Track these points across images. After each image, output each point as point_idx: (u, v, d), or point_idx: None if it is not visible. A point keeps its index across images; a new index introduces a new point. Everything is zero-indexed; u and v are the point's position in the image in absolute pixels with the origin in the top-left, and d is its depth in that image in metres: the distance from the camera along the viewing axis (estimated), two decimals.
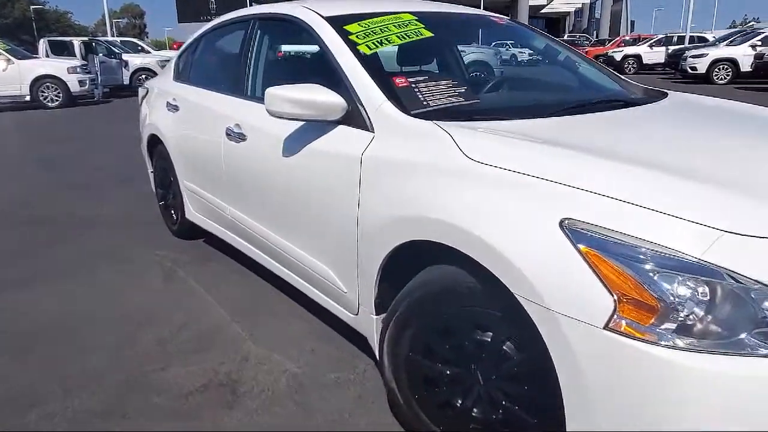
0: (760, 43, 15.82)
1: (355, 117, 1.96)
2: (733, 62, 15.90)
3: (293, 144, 2.17)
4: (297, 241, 2.26)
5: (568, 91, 2.47)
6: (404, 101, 1.90)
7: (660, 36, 23.70)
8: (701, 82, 16.10)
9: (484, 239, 1.37)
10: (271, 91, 1.99)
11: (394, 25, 2.32)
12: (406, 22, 2.36)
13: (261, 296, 2.84)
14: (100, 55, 14.85)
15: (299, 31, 2.43)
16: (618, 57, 22.35)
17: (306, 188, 2.10)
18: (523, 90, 2.51)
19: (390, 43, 2.22)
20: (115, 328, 2.55)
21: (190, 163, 3.17)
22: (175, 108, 3.30)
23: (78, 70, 12.97)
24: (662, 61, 21.55)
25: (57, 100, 12.76)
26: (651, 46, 22.70)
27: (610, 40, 30.28)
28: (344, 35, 2.20)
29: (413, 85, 2.00)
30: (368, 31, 2.25)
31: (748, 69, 15.42)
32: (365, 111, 1.92)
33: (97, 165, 6.30)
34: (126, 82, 15.86)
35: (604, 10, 43.41)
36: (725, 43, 17.89)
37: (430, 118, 1.80)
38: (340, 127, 2.00)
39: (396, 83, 2.00)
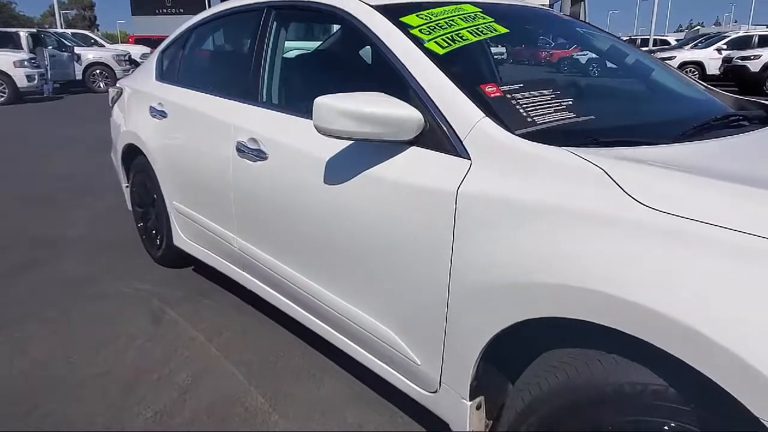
0: (725, 46, 16.07)
1: (432, 136, 1.49)
2: (699, 65, 16.09)
3: (343, 169, 1.68)
4: (344, 293, 1.77)
5: (670, 103, 2.06)
6: (506, 118, 1.44)
7: (623, 39, 23.97)
8: None
9: (706, 334, 0.92)
10: (324, 103, 1.49)
11: (461, 18, 1.86)
12: (472, 14, 1.90)
13: (278, 347, 2.33)
14: (50, 48, 13.78)
15: (335, 23, 1.94)
16: (583, 60, 22.40)
17: (365, 229, 1.61)
18: (623, 102, 2.08)
19: (463, 40, 1.75)
20: (94, 397, 2.00)
21: (183, 181, 2.62)
22: (162, 114, 2.74)
23: (26, 63, 11.95)
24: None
25: (2, 96, 11.73)
26: None
27: (566, 44, 30.45)
28: (404, 29, 1.72)
29: (509, 95, 1.54)
30: (432, 24, 1.78)
31: (715, 72, 15.64)
32: (452, 129, 1.45)
33: (53, 173, 5.58)
34: (78, 77, 14.82)
35: (563, 11, 44.00)
36: (689, 46, 18.17)
37: (543, 140, 1.35)
38: (413, 149, 1.53)
39: (486, 92, 1.53)
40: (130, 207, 3.43)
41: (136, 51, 17.11)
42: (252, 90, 2.21)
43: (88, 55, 14.91)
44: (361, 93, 1.53)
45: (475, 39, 1.78)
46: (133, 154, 3.14)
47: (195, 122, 2.47)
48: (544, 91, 1.59)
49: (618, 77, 2.32)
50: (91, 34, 18.75)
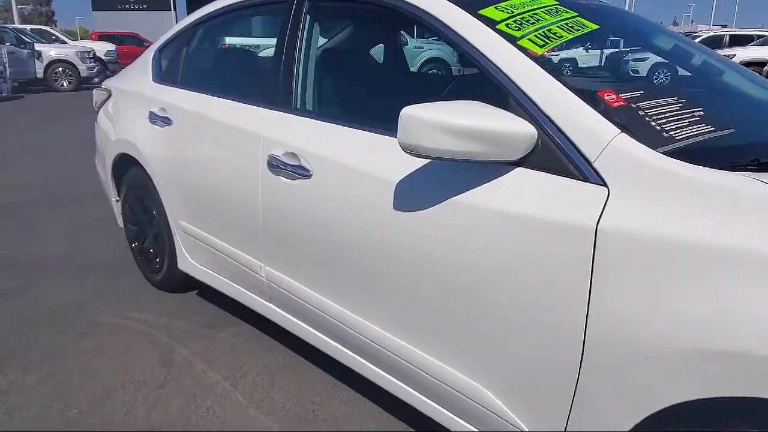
0: None
1: (546, 156, 1.22)
2: (760, 64, 15.96)
3: (422, 193, 1.39)
4: (419, 340, 1.48)
5: None
6: (642, 133, 1.17)
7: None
8: None
9: None
10: (414, 115, 1.20)
11: (545, 12, 1.58)
12: (554, 8, 1.63)
13: (315, 391, 2.02)
14: (8, 44, 13.00)
15: (396, 16, 1.64)
16: (555, 60, 22.52)
17: (454, 266, 1.32)
18: (750, 111, 1.80)
19: (557, 38, 1.48)
20: None
21: (193, 198, 2.28)
22: (165, 121, 2.39)
23: None
24: (597, 64, 21.91)
25: None
26: (586, 49, 23.07)
27: None
28: (489, 24, 1.44)
29: (633, 105, 1.27)
30: (517, 19, 1.50)
31: (686, 73, 15.76)
32: (574, 148, 1.18)
33: (20, 181, 5.10)
34: (39, 75, 14.04)
35: None
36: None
37: (687, 160, 1.09)
38: (519, 171, 1.25)
39: (607, 101, 1.26)
40: (121, 224, 3.05)
41: (100, 48, 16.35)
42: (283, 95, 1.89)
43: (50, 52, 14.14)
44: (455, 102, 1.24)
45: (569, 36, 1.51)
46: (125, 165, 2.78)
47: (210, 132, 2.13)
48: (669, 99, 1.33)
49: (701, 83, 2.07)
50: (52, 30, 17.87)
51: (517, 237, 1.20)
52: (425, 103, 1.22)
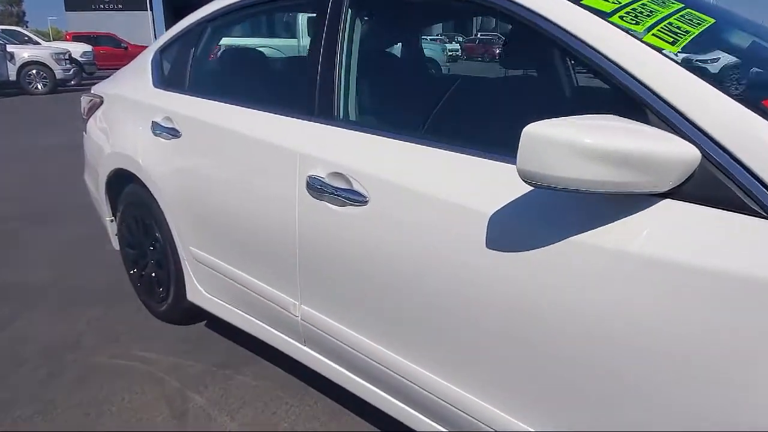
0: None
1: (707, 185, 0.95)
2: None
3: (530, 229, 1.10)
4: (517, 410, 1.19)
5: None
6: None
7: None
8: None
9: None
10: (543, 134, 0.92)
11: (653, 3, 1.31)
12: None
13: None
14: None
15: (464, 8, 1.36)
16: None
17: (585, 324, 1.04)
18: None
19: (685, 34, 1.21)
20: None
21: (208, 222, 1.97)
22: (172, 133, 2.07)
23: None
24: None
25: None
26: None
27: (475, 39, 30.23)
28: (601, 16, 1.16)
29: None
30: (628, 10, 1.23)
31: None
32: (752, 176, 0.91)
33: None
34: (12, 78, 13.45)
35: None
36: None
37: None
38: (669, 204, 0.97)
39: None
40: (116, 246, 2.72)
41: (76, 49, 15.76)
42: (323, 103, 1.59)
43: (23, 53, 13.53)
44: (590, 117, 0.97)
45: (695, 31, 1.24)
46: (122, 182, 2.45)
47: (230, 147, 1.82)
48: None
49: None
50: (24, 31, 17.19)
51: (677, 291, 0.92)
52: (552, 120, 0.94)
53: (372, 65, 1.66)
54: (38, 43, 15.45)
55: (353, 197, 1.41)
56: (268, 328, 1.88)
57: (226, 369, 2.15)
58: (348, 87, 1.58)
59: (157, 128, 2.14)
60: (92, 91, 2.80)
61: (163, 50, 2.36)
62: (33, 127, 8.34)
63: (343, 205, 1.44)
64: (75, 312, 2.60)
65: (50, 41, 20.67)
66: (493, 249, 1.15)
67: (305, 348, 1.76)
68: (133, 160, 2.25)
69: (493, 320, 1.17)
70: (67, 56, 13.94)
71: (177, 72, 2.24)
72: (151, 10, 35.25)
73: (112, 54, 19.48)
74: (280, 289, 1.74)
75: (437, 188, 1.26)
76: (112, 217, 2.67)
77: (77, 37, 18.90)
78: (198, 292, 2.17)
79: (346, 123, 1.54)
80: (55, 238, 3.60)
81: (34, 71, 13.44)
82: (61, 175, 5.29)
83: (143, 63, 2.45)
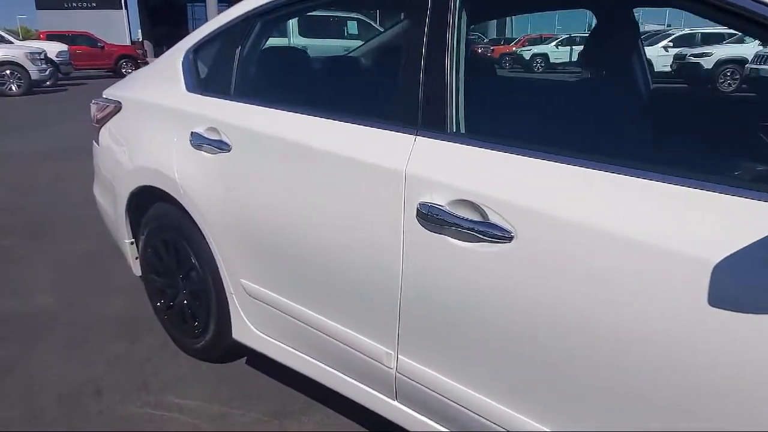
0: (671, 44, 16.33)
1: None
2: (738, 62, 16.00)
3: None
4: None
5: None
6: None
7: (563, 36, 24.22)
8: None
9: None
10: None
11: None
12: None
13: None
14: None
15: None
16: (527, 56, 22.40)
17: None
18: None
19: None
20: None
21: (268, 253, 1.67)
22: (218, 145, 1.76)
23: None
24: (567, 60, 21.95)
25: None
26: (557, 45, 23.03)
27: (499, 40, 30.42)
28: None
29: None
30: None
31: (662, 69, 15.82)
32: None
33: None
34: None
35: None
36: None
37: None
38: None
39: None
40: (136, 271, 2.40)
41: (51, 48, 15.12)
42: (431, 113, 1.31)
43: None
44: None
45: None
46: (147, 200, 2.14)
47: (302, 164, 1.53)
48: None
49: None
50: None
51: None
52: None
53: (494, 66, 1.38)
54: (11, 43, 14.79)
55: (491, 232, 1.13)
56: (347, 378, 1.58)
57: (282, 418, 1.86)
58: (464, 94, 1.29)
59: (198, 140, 1.83)
60: (105, 96, 2.46)
61: (196, 50, 2.04)
62: (12, 131, 7.87)
63: (474, 240, 1.16)
64: (91, 349, 2.28)
65: (21, 40, 19.90)
66: (719, 308, 0.88)
67: (397, 404, 1.47)
68: (166, 177, 1.94)
69: (704, 396, 0.91)
70: (42, 56, 13.36)
71: (218, 75, 1.93)
72: (126, 8, 34.43)
73: (88, 53, 18.83)
74: (368, 336, 1.45)
75: (619, 224, 0.99)
76: (132, 240, 2.34)
77: (52, 36, 18.19)
78: (248, 331, 1.87)
79: (465, 137, 1.26)
80: (54, 256, 3.25)
81: (8, 72, 12.82)
82: (49, 184, 4.91)
83: (170, 64, 2.13)
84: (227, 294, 1.89)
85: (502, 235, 1.12)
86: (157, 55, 38.27)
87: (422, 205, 1.24)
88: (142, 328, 2.42)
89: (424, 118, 1.31)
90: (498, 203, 1.13)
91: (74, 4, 33.29)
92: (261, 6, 1.81)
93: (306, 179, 1.51)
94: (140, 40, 37.49)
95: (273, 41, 2.08)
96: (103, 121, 2.40)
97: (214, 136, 1.78)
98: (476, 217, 1.16)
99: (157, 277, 2.24)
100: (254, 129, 1.67)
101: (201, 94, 1.94)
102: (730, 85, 13.14)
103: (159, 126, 2.03)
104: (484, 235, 1.14)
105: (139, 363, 2.17)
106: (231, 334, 1.96)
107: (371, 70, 1.81)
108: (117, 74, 19.54)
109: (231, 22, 1.91)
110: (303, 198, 1.52)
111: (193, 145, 1.85)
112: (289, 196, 1.55)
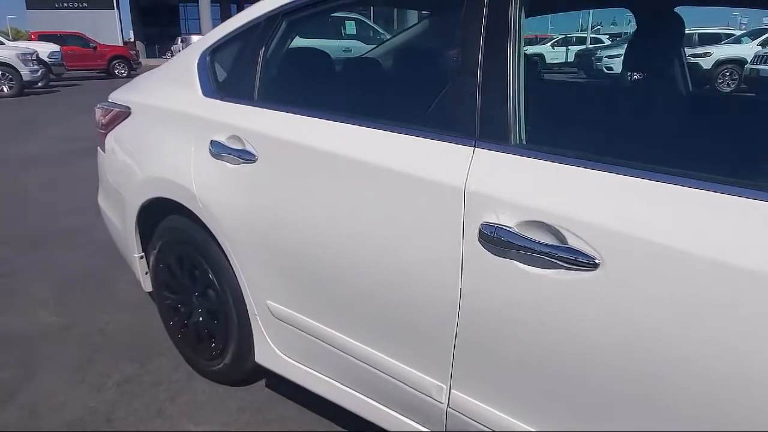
0: None
1: None
2: (737, 62, 15.92)
3: None
4: None
5: None
6: None
7: (559, 37, 24.19)
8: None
9: None
10: None
11: None
12: None
13: None
14: None
15: None
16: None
17: None
18: None
19: None
20: None
21: (299, 273, 1.54)
22: (242, 155, 1.62)
23: None
24: (563, 60, 21.92)
25: None
26: (553, 46, 22.98)
27: None
28: None
29: None
30: None
31: None
32: None
33: None
34: None
35: None
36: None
37: None
38: None
39: None
40: (146, 288, 2.25)
41: (43, 49, 14.89)
42: (492, 123, 1.18)
43: None
44: None
45: None
46: (159, 211, 2.00)
47: (339, 177, 1.39)
48: None
49: None
50: None
51: None
52: None
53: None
54: (2, 43, 14.54)
55: (571, 257, 1.00)
56: (388, 411, 1.45)
57: None
58: (529, 102, 1.16)
59: (219, 149, 1.69)
60: (111, 100, 2.32)
61: (214, 52, 1.90)
62: (2, 133, 7.67)
63: (549, 266, 1.03)
64: (98, 371, 2.13)
65: (11, 41, 19.61)
66: None
67: None
68: (183, 188, 1.80)
69: None
70: (34, 57, 13.14)
71: (240, 78, 1.79)
72: (118, 8, 34.13)
73: (80, 54, 18.58)
74: (417, 367, 1.32)
75: (726, 251, 0.86)
76: (142, 254, 2.20)
77: (43, 37, 17.92)
78: (272, 355, 1.73)
79: (531, 149, 1.13)
80: (51, 268, 3.09)
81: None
82: (42, 190, 4.75)
83: (185, 67, 1.99)
84: (250, 315, 1.75)
85: (585, 262, 0.99)
86: (149, 55, 37.93)
87: (485, 225, 1.11)
88: (152, 347, 2.27)
89: (483, 127, 1.18)
90: (580, 225, 1.00)
91: (65, 4, 32.96)
92: (288, 4, 1.68)
93: (345, 194, 1.37)
94: (132, 40, 37.16)
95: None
96: (109, 126, 2.26)
97: (237, 146, 1.65)
98: (552, 241, 1.03)
99: (170, 294, 2.10)
100: (284, 138, 1.53)
101: (220, 99, 1.80)
102: (729, 85, 13.12)
103: (174, 133, 1.89)
104: (561, 261, 1.01)
105: (152, 387, 2.03)
106: (253, 357, 1.82)
107: (415, 73, 1.68)
108: (110, 75, 19.33)
109: (253, 22, 1.78)
110: (342, 214, 1.38)
111: (213, 155, 1.71)
112: (326, 212, 1.42)
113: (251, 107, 1.70)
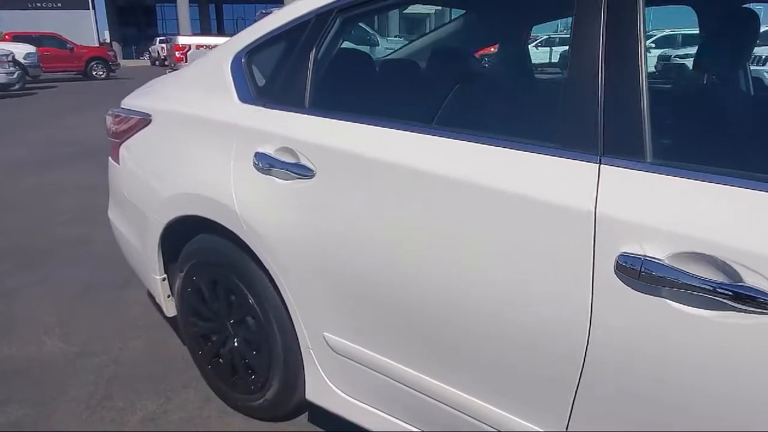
0: (653, 45, 16.41)
1: None
2: None
3: None
4: None
5: None
6: None
7: (543, 37, 24.29)
8: None
9: None
10: None
11: None
12: None
13: None
14: None
15: None
16: None
17: None
18: None
19: None
20: None
21: (369, 304, 1.36)
22: (297, 170, 1.44)
23: None
24: (547, 61, 22.02)
25: None
26: (536, 46, 23.08)
27: None
28: None
29: None
30: None
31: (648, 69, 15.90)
32: None
33: None
34: None
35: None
36: None
37: None
38: None
39: None
40: (169, 313, 2.05)
41: (18, 50, 14.40)
42: (620, 135, 1.01)
43: None
44: None
45: None
46: (187, 230, 1.80)
47: (433, 198, 1.21)
48: None
49: None
50: None
51: None
52: None
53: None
54: None
55: (750, 297, 0.84)
56: None
57: None
58: (661, 110, 1.00)
59: (266, 162, 1.50)
60: (125, 107, 2.11)
61: (251, 53, 1.71)
62: None
63: (716, 308, 0.87)
64: (119, 407, 1.92)
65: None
66: None
67: None
68: (221, 206, 1.60)
69: None
70: (10, 58, 12.68)
71: (285, 83, 1.60)
72: (94, 8, 33.42)
73: (57, 55, 18.05)
74: (525, 416, 1.15)
75: None
76: (165, 276, 1.99)
77: (18, 38, 17.35)
78: (328, 393, 1.55)
79: (673, 166, 0.96)
80: (53, 287, 2.86)
81: None
82: (31, 199, 4.48)
83: (214, 70, 1.80)
84: (302, 348, 1.56)
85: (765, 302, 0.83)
86: (126, 56, 37.17)
87: (625, 257, 0.94)
88: (175, 378, 2.07)
89: (609, 140, 1.02)
90: (758, 260, 0.84)
91: (38, 5, 32.20)
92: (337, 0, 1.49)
93: (432, 216, 1.20)
94: (107, 41, 36.44)
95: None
96: (124, 136, 2.05)
97: (289, 159, 1.46)
98: (719, 277, 0.87)
99: (201, 321, 1.90)
100: (349, 151, 1.35)
101: (262, 105, 1.61)
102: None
103: (207, 144, 1.69)
104: (733, 302, 0.85)
105: (181, 425, 1.83)
106: (302, 393, 1.63)
107: (513, 74, 1.51)
108: (87, 77, 18.83)
109: (300, 20, 1.59)
110: (430, 240, 1.20)
111: (258, 169, 1.52)
112: (407, 237, 1.24)
113: (303, 115, 1.51)
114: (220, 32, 41.51)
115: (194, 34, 20.33)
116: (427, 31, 2.53)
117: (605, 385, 1.01)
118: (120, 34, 38.96)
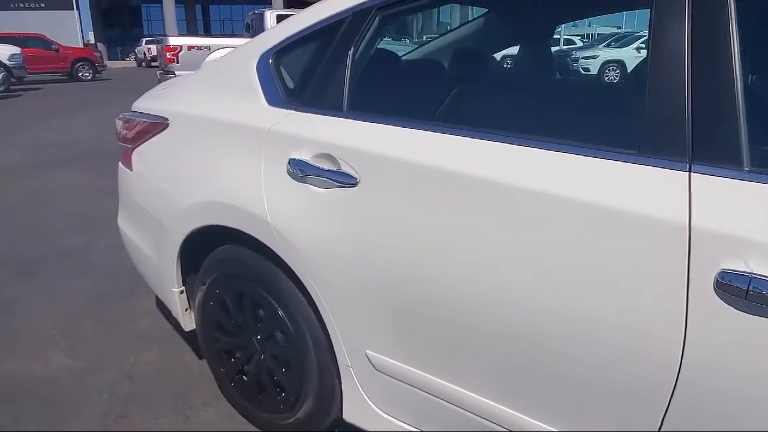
0: (643, 45, 16.52)
1: None
2: (620, 63, 16.46)
3: None
4: None
5: None
6: None
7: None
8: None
9: None
10: None
11: None
12: None
13: None
14: None
15: None
16: (497, 57, 22.50)
17: None
18: None
19: None
20: None
21: (420, 320, 1.27)
22: (338, 179, 1.35)
23: None
24: None
25: None
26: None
27: None
28: None
29: None
30: None
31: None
32: None
33: None
34: None
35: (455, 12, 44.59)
36: (602, 45, 18.65)
37: None
38: None
39: None
40: (187, 326, 1.95)
41: (3, 52, 14.11)
42: (713, 141, 0.93)
43: None
44: None
45: None
46: (209, 240, 1.70)
47: (487, 207, 1.13)
48: None
49: None
50: None
51: None
52: None
53: None
54: None
55: None
56: None
57: None
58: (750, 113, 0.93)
59: (302, 169, 1.41)
60: (138, 110, 2.01)
61: (279, 53, 1.62)
62: None
63: None
64: (135, 424, 1.81)
65: None
66: None
67: None
68: (251, 215, 1.51)
69: None
70: None
71: (320, 85, 1.50)
72: (78, 9, 32.98)
73: (42, 56, 17.72)
74: None
75: None
76: (183, 288, 1.89)
77: (2, 39, 17.01)
78: (369, 413, 1.46)
79: None
80: (54, 298, 2.73)
81: None
82: (24, 205, 4.33)
83: (238, 71, 1.70)
84: (340, 366, 1.47)
85: None
86: (111, 57, 36.73)
87: (727, 274, 0.87)
88: (193, 394, 1.97)
89: (699, 146, 0.94)
90: None
91: (21, 5, 31.72)
92: None
93: (498, 230, 1.11)
94: (92, 42, 35.99)
95: None
96: (137, 140, 1.95)
97: (328, 166, 1.37)
98: None
99: (224, 336, 1.80)
100: (399, 157, 1.26)
101: (293, 109, 1.52)
102: None
103: (233, 149, 1.59)
104: None
105: None
106: (337, 412, 1.54)
107: (581, 72, 1.42)
108: (73, 78, 18.52)
109: (334, 18, 1.50)
110: (493, 255, 1.12)
111: (293, 177, 1.43)
112: (465, 250, 1.15)
113: (341, 119, 1.42)
114: (207, 33, 41.21)
115: (182, 35, 20.15)
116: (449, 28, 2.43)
117: (699, 412, 0.93)
118: (105, 34, 38.50)
